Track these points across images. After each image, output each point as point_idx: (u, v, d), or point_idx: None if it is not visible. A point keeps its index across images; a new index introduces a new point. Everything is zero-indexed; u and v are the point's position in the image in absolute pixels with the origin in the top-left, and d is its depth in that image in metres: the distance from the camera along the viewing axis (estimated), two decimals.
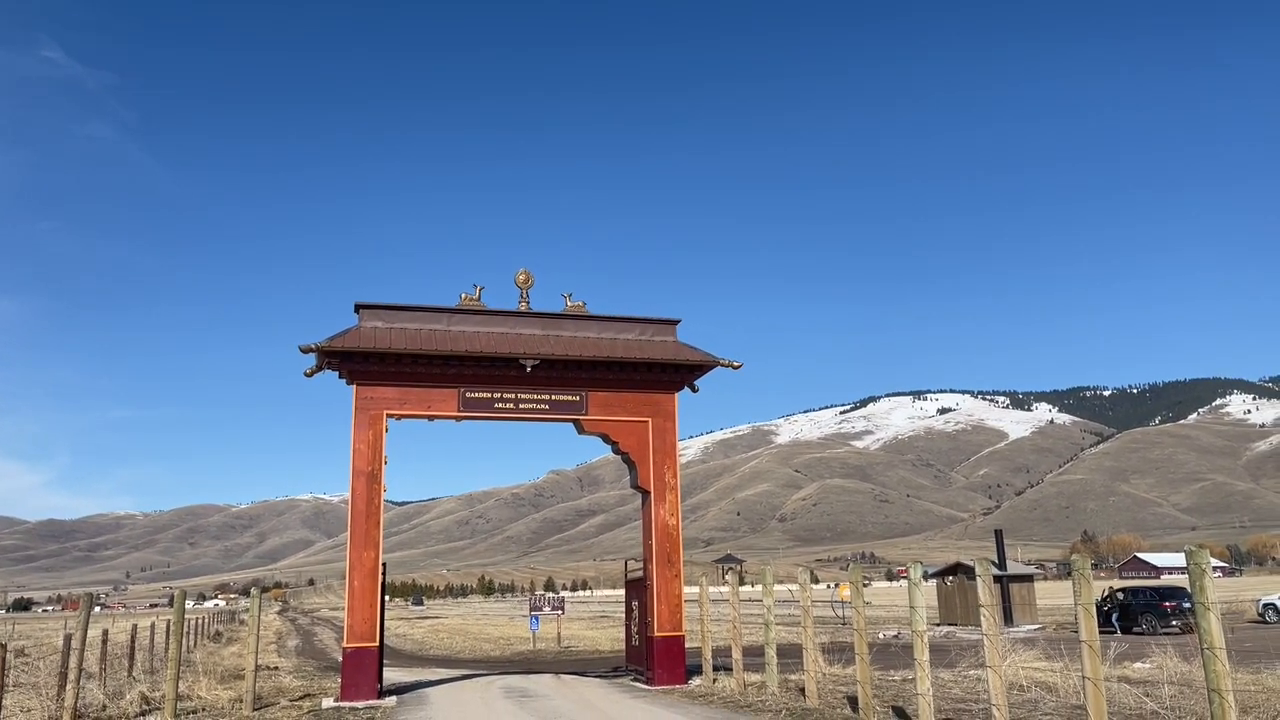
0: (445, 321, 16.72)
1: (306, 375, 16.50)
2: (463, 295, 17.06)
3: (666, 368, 17.33)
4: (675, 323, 18.18)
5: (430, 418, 16.61)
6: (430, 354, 15.95)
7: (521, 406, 16.82)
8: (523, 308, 17.40)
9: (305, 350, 15.36)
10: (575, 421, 17.24)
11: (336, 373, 16.33)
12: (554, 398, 16.95)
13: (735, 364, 17.57)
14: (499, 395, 16.69)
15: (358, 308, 16.49)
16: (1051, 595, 67.24)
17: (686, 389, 17.87)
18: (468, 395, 16.54)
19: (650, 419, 17.32)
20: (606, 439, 17.42)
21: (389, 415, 16.13)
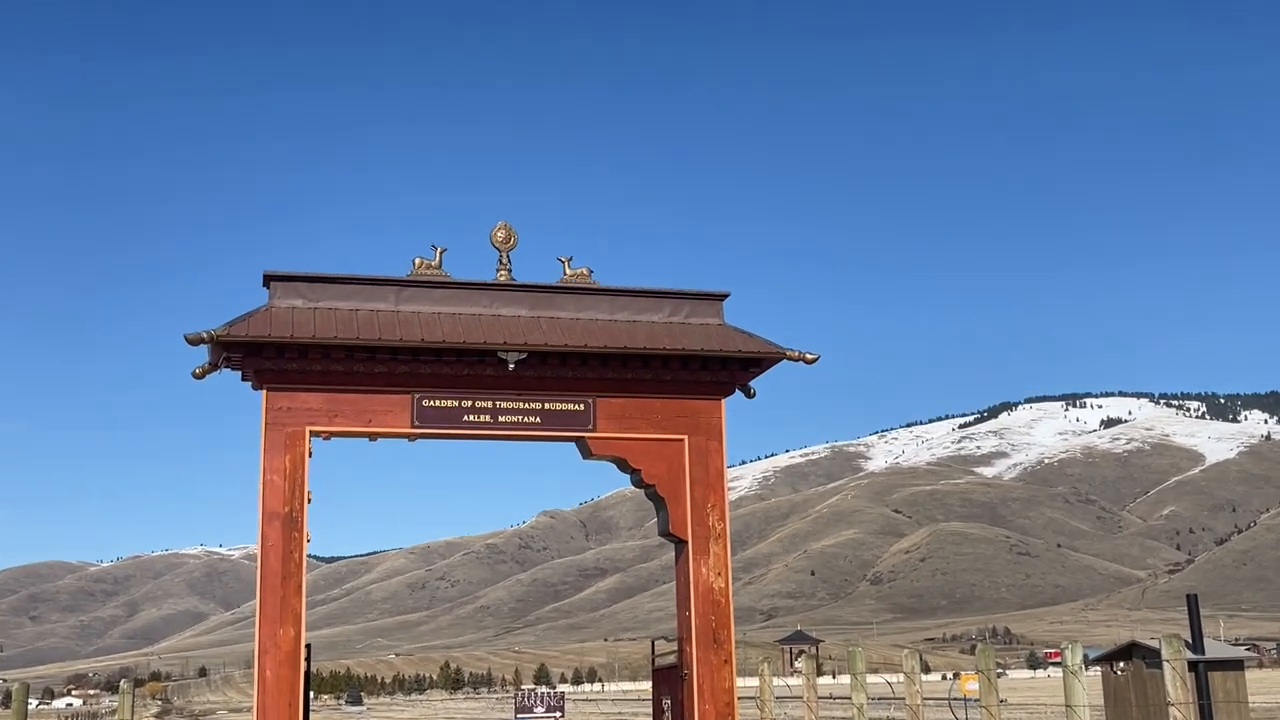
0: (393, 298, 16.82)
1: (196, 377, 16.57)
2: (417, 261, 17.15)
3: (710, 362, 17.35)
4: (721, 298, 18.17)
5: (372, 435, 16.69)
6: (371, 345, 16.06)
7: (501, 419, 16.90)
8: (502, 278, 17.45)
9: (193, 341, 15.48)
10: (579, 440, 17.28)
11: (239, 372, 16.46)
12: (548, 407, 17.02)
13: (808, 356, 17.54)
14: (469, 404, 16.77)
15: (268, 280, 16.61)
16: (1271, 688, 66.63)
17: (738, 393, 17.88)
18: (424, 403, 16.64)
19: (687, 436, 17.36)
20: (623, 465, 17.42)
21: (313, 432, 16.26)
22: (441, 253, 17.32)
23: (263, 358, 16.09)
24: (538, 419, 17.03)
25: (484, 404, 16.85)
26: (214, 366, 16.46)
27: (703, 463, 17.34)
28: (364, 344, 16.04)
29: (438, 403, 16.71)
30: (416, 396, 16.64)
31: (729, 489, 17.96)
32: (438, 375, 16.67)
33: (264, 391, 16.25)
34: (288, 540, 15.86)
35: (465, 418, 16.79)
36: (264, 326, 15.94)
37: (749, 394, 18.09)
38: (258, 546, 15.90)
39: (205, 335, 15.48)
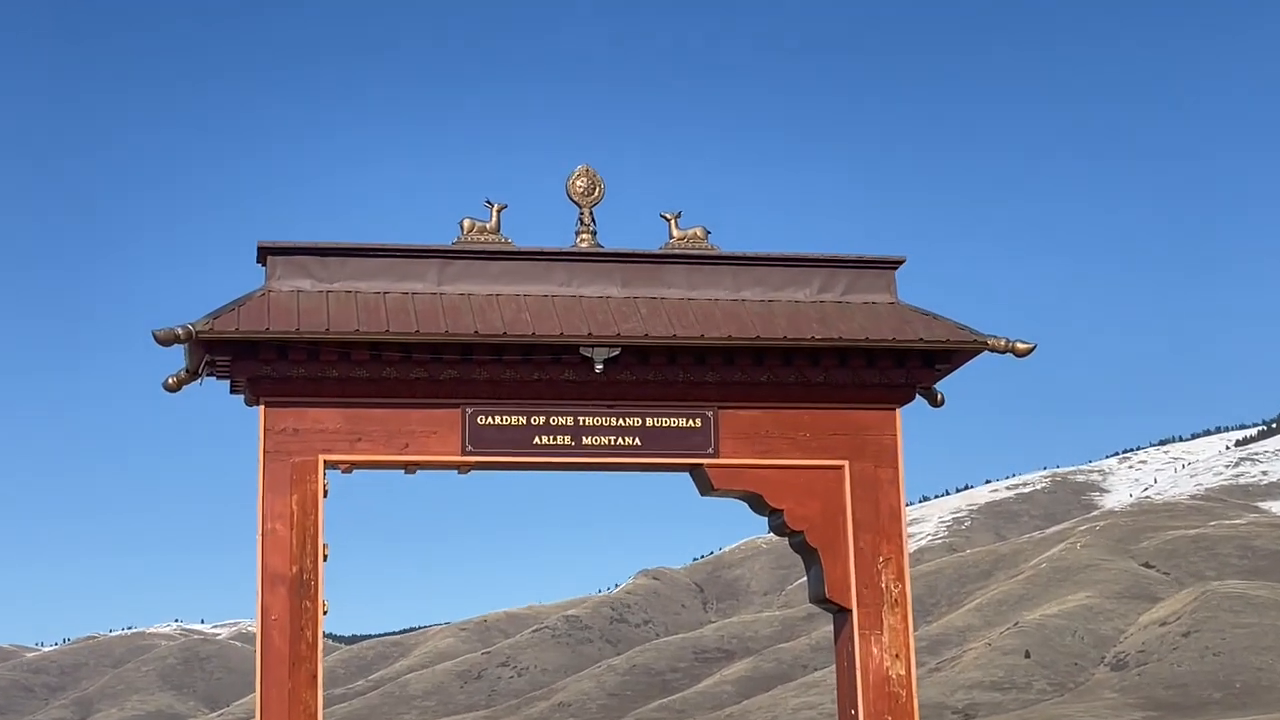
0: (434, 275, 17.00)
1: (169, 389, 16.90)
2: (466, 223, 17.31)
3: (879, 356, 17.24)
4: (894, 266, 18.06)
5: (408, 466, 16.87)
6: (406, 340, 16.21)
7: (586, 442, 16.99)
8: (584, 244, 17.52)
9: (164, 340, 15.76)
10: (694, 469, 17.29)
11: (227, 381, 16.74)
12: (652, 423, 17.08)
13: (1020, 345, 17.34)
14: (541, 420, 16.90)
15: (264, 254, 16.91)
16: None
17: (919, 399, 17.79)
18: (480, 421, 16.76)
19: (848, 461, 17.27)
20: (757, 504, 17.43)
21: (329, 463, 16.49)
22: (500, 211, 17.42)
23: (259, 360, 16.30)
24: (637, 440, 17.06)
25: (561, 420, 16.92)
26: (193, 375, 16.74)
27: (871, 499, 17.22)
28: (396, 339, 16.17)
29: (498, 420, 16.80)
30: (469, 411, 16.75)
31: (908, 536, 17.81)
32: (498, 382, 16.76)
33: (261, 408, 16.47)
34: (297, 613, 16.04)
35: (536, 440, 16.88)
36: (259, 318, 16.14)
37: (935, 401, 17.93)
38: (256, 622, 16.20)
39: (180, 331, 15.68)
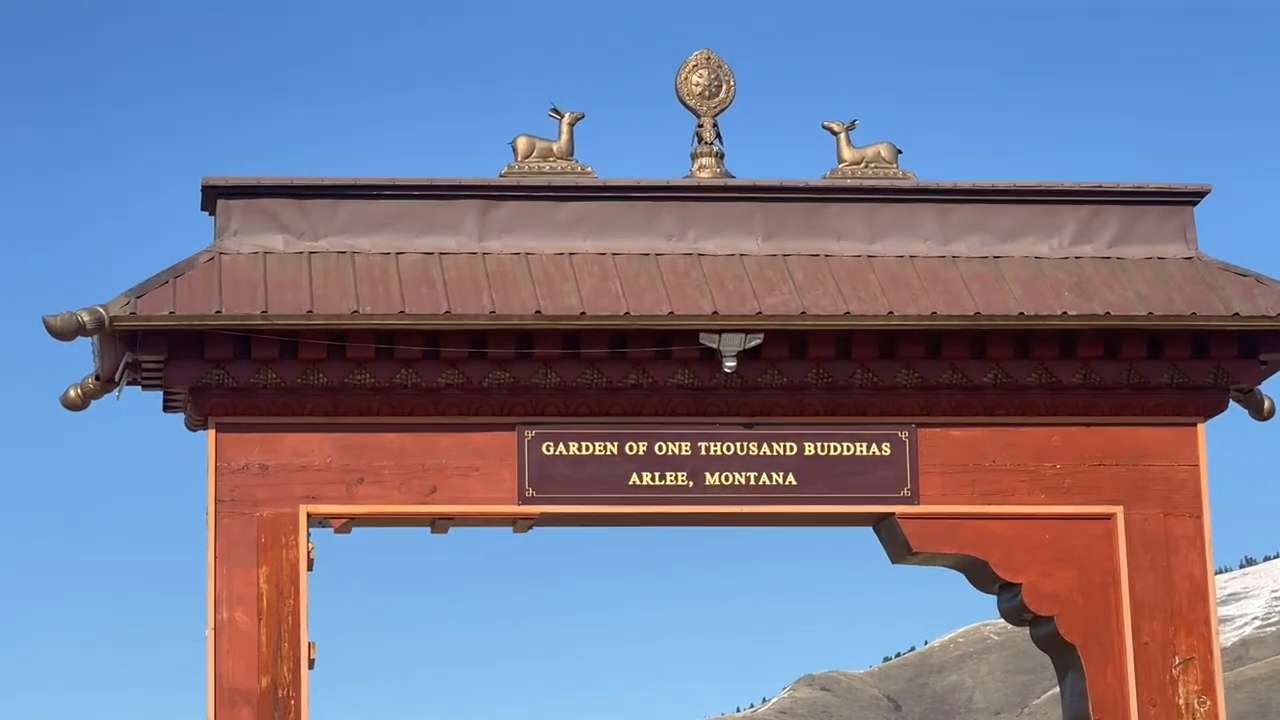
0: (473, 224, 17.12)
1: (71, 406, 17.06)
2: (521, 143, 17.40)
3: (1171, 342, 17.12)
4: (1193, 201, 18.05)
5: (437, 521, 17.01)
6: (431, 326, 16.30)
7: (710, 482, 17.02)
8: (705, 171, 17.60)
9: (62, 331, 15.83)
10: (881, 521, 17.34)
11: (159, 392, 16.95)
12: (812, 450, 17.05)
13: None
14: (642, 447, 16.94)
15: (212, 196, 17.08)
16: None
17: (1235, 407, 17.73)
18: (544, 449, 16.83)
19: (1120, 507, 17.17)
20: (979, 572, 17.51)
21: (316, 517, 16.60)
22: (573, 124, 17.48)
23: (206, 361, 16.38)
24: (790, 478, 17.03)
25: (673, 447, 16.93)
26: (109, 383, 16.92)
27: (1160, 565, 17.09)
28: (416, 325, 16.28)
29: (574, 448, 16.87)
30: (528, 437, 16.82)
31: (1219, 622, 17.57)
32: (570, 390, 16.82)
33: (210, 433, 16.59)
34: None
35: (633, 478, 16.91)
36: (205, 295, 16.26)
37: (1261, 411, 17.93)
38: None
39: (85, 318, 15.79)
